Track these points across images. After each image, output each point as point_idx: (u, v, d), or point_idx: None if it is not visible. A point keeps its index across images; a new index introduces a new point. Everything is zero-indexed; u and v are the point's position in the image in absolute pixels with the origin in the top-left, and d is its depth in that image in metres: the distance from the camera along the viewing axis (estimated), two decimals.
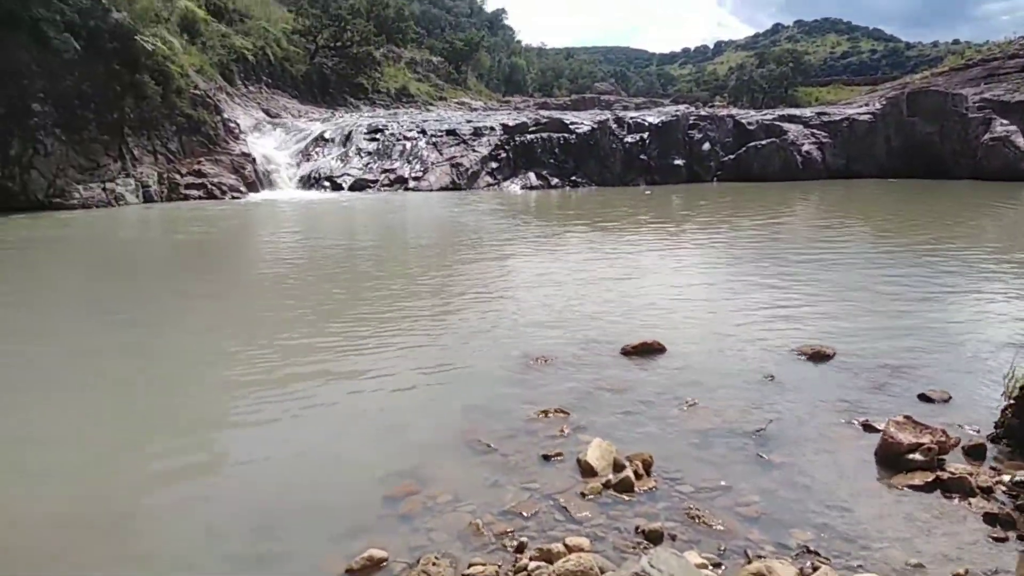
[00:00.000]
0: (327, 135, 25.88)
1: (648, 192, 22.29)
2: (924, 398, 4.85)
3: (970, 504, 3.46)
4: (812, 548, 3.08)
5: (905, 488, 3.61)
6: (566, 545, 3.06)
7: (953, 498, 3.51)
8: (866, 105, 30.03)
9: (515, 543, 3.13)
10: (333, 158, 24.69)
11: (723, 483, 3.69)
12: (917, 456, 3.78)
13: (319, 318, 7.15)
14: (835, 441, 4.17)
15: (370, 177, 23.87)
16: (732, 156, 25.62)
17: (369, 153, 25.06)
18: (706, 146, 25.60)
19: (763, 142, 25.60)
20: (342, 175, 23.78)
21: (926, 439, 3.85)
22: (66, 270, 10.07)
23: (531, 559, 2.97)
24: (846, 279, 8.82)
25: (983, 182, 21.90)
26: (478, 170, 23.99)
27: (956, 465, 3.77)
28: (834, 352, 5.76)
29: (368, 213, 17.85)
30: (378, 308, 7.53)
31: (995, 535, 3.19)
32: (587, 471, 3.77)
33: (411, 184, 23.45)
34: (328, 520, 3.42)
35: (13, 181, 16.64)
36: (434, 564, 2.88)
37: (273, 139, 25.81)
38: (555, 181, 23.89)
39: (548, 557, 2.95)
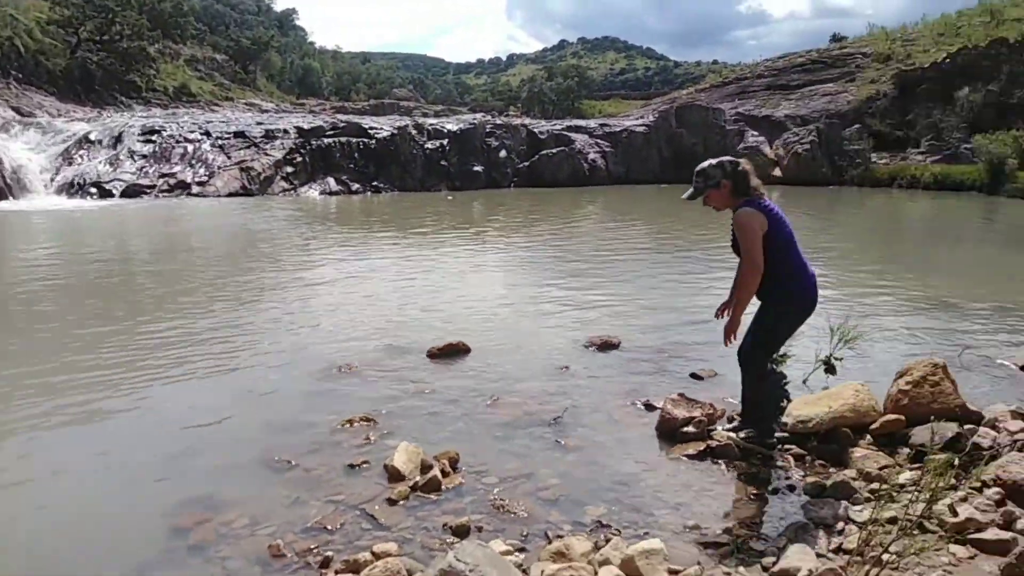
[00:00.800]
0: (93, 136, 23.18)
1: (450, 197, 22.64)
2: (695, 376, 5.44)
3: (735, 467, 3.92)
4: (605, 522, 3.32)
5: (682, 458, 4.01)
6: (373, 553, 3.01)
7: (720, 463, 3.97)
8: (641, 118, 33.09)
9: (320, 559, 3.02)
10: (101, 162, 22.15)
11: (526, 471, 3.85)
12: (690, 429, 4.22)
13: (87, 344, 6.37)
14: (622, 422, 4.53)
15: (146, 182, 21.75)
16: (527, 163, 26.88)
17: (144, 156, 22.81)
18: (503, 153, 26.58)
19: (554, 150, 27.15)
20: (112, 180, 21.43)
21: (697, 412, 4.31)
22: None
23: (336, 572, 2.89)
24: (630, 275, 9.63)
25: None
26: (272, 175, 22.83)
27: (722, 433, 4.26)
28: (619, 342, 6.26)
29: (145, 222, 16.24)
30: (161, 328, 6.88)
31: (754, 492, 3.65)
32: (394, 476, 3.74)
33: (195, 190, 21.71)
34: (106, 560, 3.06)
35: None
36: None
37: (25, 141, 22.58)
38: (356, 187, 23.42)
39: (355, 568, 2.89)
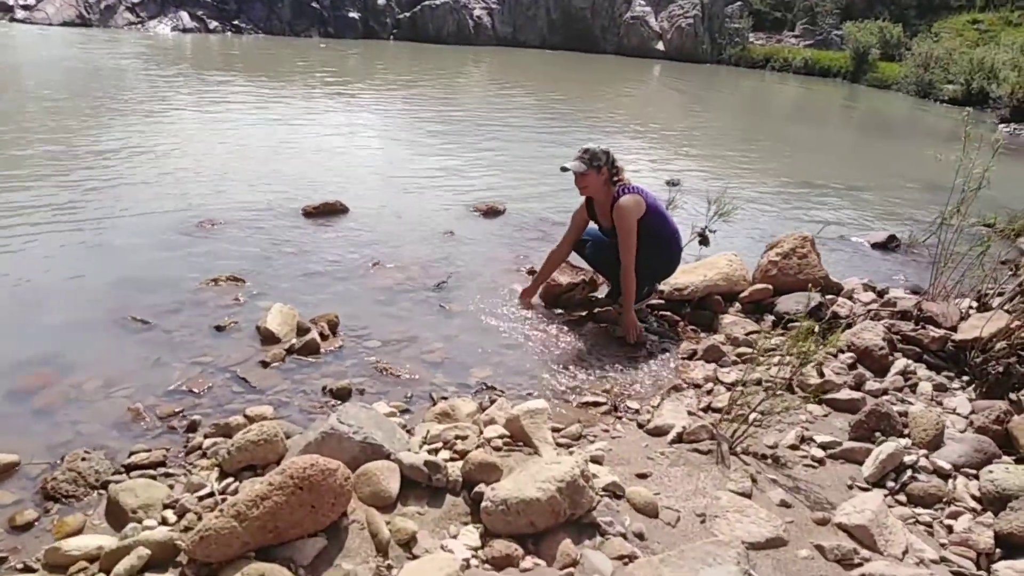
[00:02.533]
0: None
1: (323, 45, 20.77)
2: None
3: (614, 330, 4.03)
4: (489, 384, 3.33)
5: (565, 324, 4.06)
6: (247, 416, 2.85)
7: (603, 325, 4.07)
8: None
9: (186, 423, 2.82)
10: None
11: (409, 335, 3.75)
12: (575, 295, 4.26)
13: None
14: (506, 288, 4.50)
15: None
16: (408, 14, 25.04)
17: None
18: (381, 0, 24.54)
19: (437, 2, 25.39)
20: None
21: (579, 279, 4.35)
22: None
23: (206, 436, 2.71)
24: (515, 141, 9.39)
25: (626, 57, 24.79)
26: (114, 3, 19.88)
27: (602, 298, 4.34)
28: (505, 208, 6.16)
29: None
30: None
31: (631, 355, 3.77)
32: (268, 338, 3.52)
33: (20, 14, 18.59)
34: None
35: None
36: (83, 460, 2.46)
37: None
38: (214, 25, 20.94)
39: (226, 431, 2.72)
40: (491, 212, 6.04)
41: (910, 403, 3.22)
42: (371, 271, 4.58)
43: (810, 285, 3.79)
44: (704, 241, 5.53)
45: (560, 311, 4.22)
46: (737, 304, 4.29)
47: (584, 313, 4.17)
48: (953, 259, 4.25)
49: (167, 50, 16.38)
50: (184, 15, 20.77)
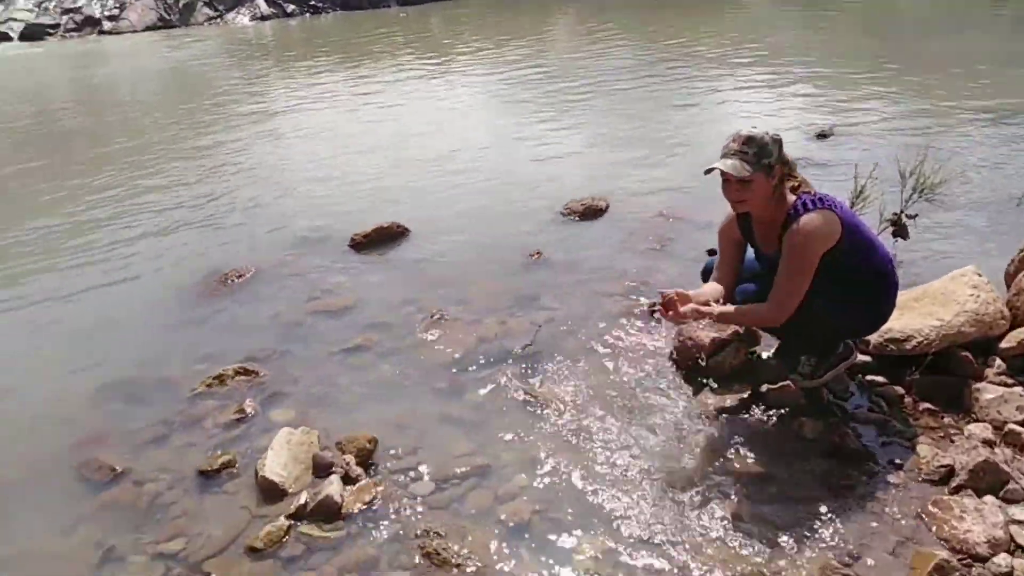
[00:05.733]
0: None
1: (404, 15, 19.55)
2: (713, 253, 3.96)
3: (799, 424, 2.58)
4: None
5: (720, 413, 2.64)
6: None
7: (779, 412, 2.60)
8: None
9: None
10: None
11: (477, 462, 2.47)
12: (727, 359, 2.82)
13: None
14: (621, 346, 3.10)
15: (47, 21, 18.61)
16: None
17: None
18: None
19: None
20: (6, 22, 18.27)
21: (731, 331, 2.89)
22: None
23: None
24: (616, 110, 7.71)
25: None
26: (192, 1, 19.58)
27: (769, 358, 2.86)
28: (607, 205, 4.70)
29: (52, 71, 13.72)
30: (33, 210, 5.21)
31: (840, 480, 2.32)
32: (269, 492, 2.36)
33: (107, 26, 18.64)
34: None
35: None
36: None
37: None
38: (291, 8, 20.22)
39: None
40: (590, 213, 4.61)
41: None
42: (429, 334, 3.32)
43: None
44: (900, 231, 3.84)
45: (705, 382, 2.79)
46: (998, 360, 2.66)
47: (746, 394, 2.72)
48: None
49: (247, 42, 15.78)
50: (261, 2, 20.18)
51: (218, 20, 19.52)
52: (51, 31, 18.63)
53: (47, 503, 2.46)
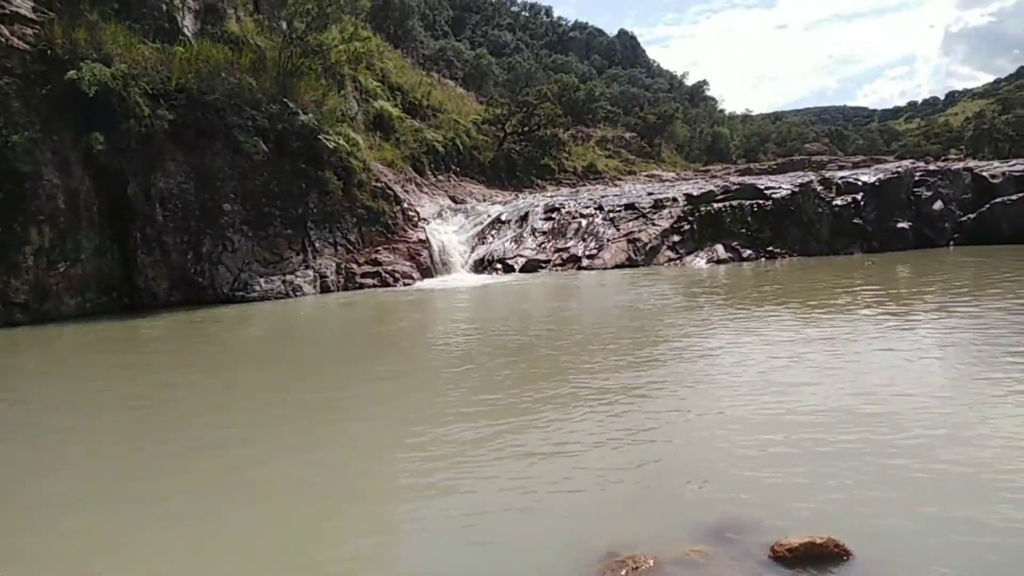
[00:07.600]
0: (503, 217, 25.47)
1: (870, 263, 18.36)
2: None
3: None
4: None
5: None
6: None
7: None
8: None
9: None
10: (507, 240, 24.11)
11: None
12: None
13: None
14: None
15: (542, 257, 22.84)
16: (972, 215, 20.86)
17: (544, 233, 24.15)
18: (937, 205, 21.12)
19: (1012, 197, 20.54)
20: (515, 256, 23.02)
21: None
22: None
23: None
24: None
25: None
26: (657, 245, 21.88)
27: None
28: None
29: (535, 297, 16.52)
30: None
31: None
32: None
33: (584, 263, 21.98)
34: None
35: (203, 276, 17.76)
36: None
37: (453, 224, 25.90)
38: (747, 253, 20.95)
39: None
40: None
41: None
42: None
43: None
44: None
45: None
46: None
47: None
48: None
49: (699, 282, 16.64)
50: (719, 247, 21.45)
51: (677, 262, 21.25)
52: (543, 265, 22.70)
53: None
